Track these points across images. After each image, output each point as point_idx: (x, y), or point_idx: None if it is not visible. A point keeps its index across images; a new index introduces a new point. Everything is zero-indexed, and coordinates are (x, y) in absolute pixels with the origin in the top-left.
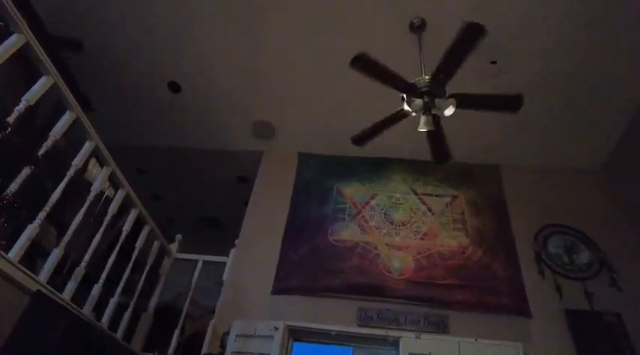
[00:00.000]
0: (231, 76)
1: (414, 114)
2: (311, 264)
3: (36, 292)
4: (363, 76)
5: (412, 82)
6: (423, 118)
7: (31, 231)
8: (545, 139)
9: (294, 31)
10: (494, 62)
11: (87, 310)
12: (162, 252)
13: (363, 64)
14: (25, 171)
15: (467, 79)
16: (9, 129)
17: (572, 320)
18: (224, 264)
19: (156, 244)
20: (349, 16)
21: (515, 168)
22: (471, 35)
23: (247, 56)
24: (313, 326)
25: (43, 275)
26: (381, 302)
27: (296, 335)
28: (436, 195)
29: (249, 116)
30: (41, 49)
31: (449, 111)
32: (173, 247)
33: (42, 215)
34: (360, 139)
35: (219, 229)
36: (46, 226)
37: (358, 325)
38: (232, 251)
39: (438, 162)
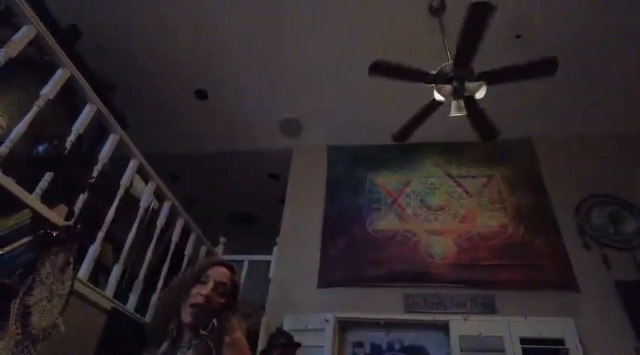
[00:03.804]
0: (254, 78)
1: (445, 100)
2: (352, 255)
3: (111, 309)
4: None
5: (438, 69)
6: (454, 103)
7: (94, 251)
8: (579, 107)
9: (313, 24)
10: (518, 36)
11: (149, 319)
12: (209, 256)
13: (381, 70)
14: (83, 197)
15: (493, 56)
16: (67, 161)
17: (622, 291)
18: (265, 261)
19: (203, 249)
20: (368, 4)
21: (549, 140)
22: (479, 14)
23: (269, 56)
24: (362, 316)
25: (109, 290)
26: (426, 287)
27: (346, 325)
28: (471, 177)
29: (276, 115)
30: (84, 80)
31: (480, 92)
32: (218, 249)
33: (101, 235)
34: (400, 135)
35: (254, 225)
36: (102, 243)
37: (405, 312)
38: (275, 249)
39: (485, 140)
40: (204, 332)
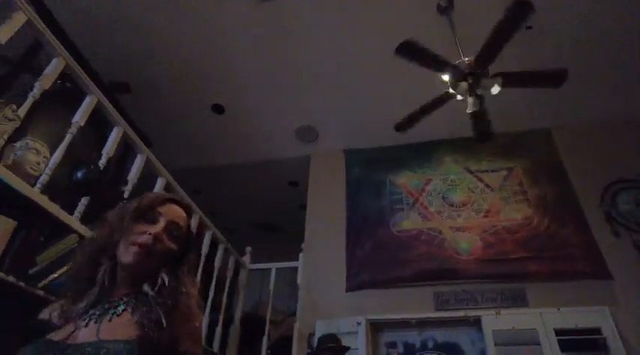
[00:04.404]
0: (267, 89)
1: (460, 97)
2: (378, 257)
3: None
4: (396, 64)
5: (454, 64)
6: (470, 100)
7: None
8: (597, 94)
9: (321, 31)
10: (529, 27)
11: None
12: (238, 266)
13: (408, 51)
14: None
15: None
16: (102, 184)
17: None
18: (291, 268)
19: (231, 260)
20: (374, 6)
21: (567, 129)
22: (519, 13)
23: (280, 67)
24: (393, 316)
25: None
26: (455, 284)
27: (378, 327)
28: (492, 171)
29: (291, 123)
30: (110, 104)
31: (495, 89)
32: (245, 259)
33: None
34: (403, 125)
35: (277, 233)
36: None
37: (436, 310)
38: (301, 255)
39: (480, 141)
40: (149, 290)
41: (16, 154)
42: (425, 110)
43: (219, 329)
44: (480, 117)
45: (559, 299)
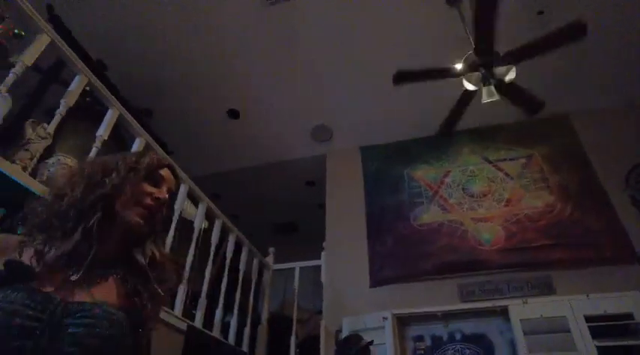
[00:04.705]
0: (281, 92)
1: (476, 88)
2: (401, 252)
3: (188, 328)
4: (408, 59)
5: (463, 59)
6: (484, 90)
7: None
8: (613, 77)
9: (331, 30)
10: (541, 12)
11: (216, 332)
12: (262, 267)
13: (405, 78)
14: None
15: (516, 35)
16: None
17: None
18: (314, 267)
19: (255, 261)
20: (384, 2)
21: (587, 113)
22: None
23: (292, 67)
24: (419, 310)
25: (177, 310)
26: (479, 275)
27: (404, 321)
28: (510, 159)
29: (306, 124)
30: (131, 117)
31: (510, 75)
32: (269, 260)
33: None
34: (445, 129)
35: (297, 233)
36: None
37: (461, 301)
38: (323, 253)
39: (531, 113)
40: (141, 259)
41: (49, 170)
42: (456, 112)
43: (247, 330)
44: (517, 94)
45: (587, 285)
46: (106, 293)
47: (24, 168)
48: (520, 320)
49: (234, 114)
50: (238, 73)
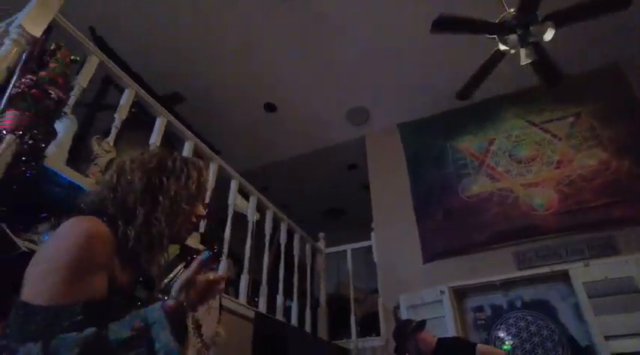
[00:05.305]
0: (315, 79)
1: (512, 51)
2: (451, 225)
3: (256, 315)
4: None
5: (499, 18)
6: (522, 52)
7: (225, 266)
8: None
9: (357, 6)
10: None
11: (279, 317)
12: (314, 252)
13: (445, 25)
14: (203, 222)
15: None
16: None
17: None
18: (365, 248)
19: (308, 247)
20: None
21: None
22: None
23: (322, 52)
24: (476, 281)
25: (242, 299)
26: (534, 241)
27: (462, 293)
28: (556, 119)
29: (342, 108)
30: (178, 122)
31: (549, 34)
32: (320, 245)
33: (225, 253)
34: (464, 93)
35: (344, 216)
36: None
37: (518, 269)
38: (372, 234)
39: (551, 84)
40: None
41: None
42: (481, 74)
43: (308, 312)
44: (542, 60)
45: None
46: None
47: (97, 182)
48: (583, 283)
49: (270, 107)
50: (269, 66)
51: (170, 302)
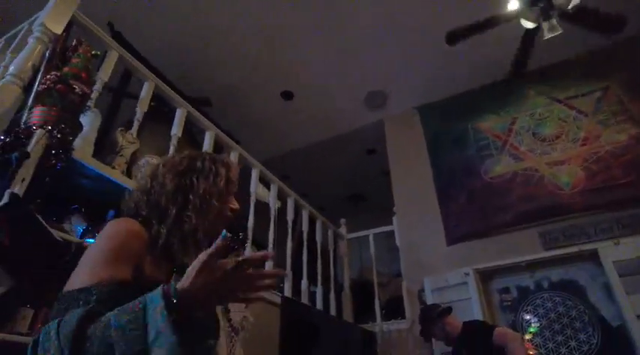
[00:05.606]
0: (331, 65)
1: (535, 25)
2: (475, 207)
3: (283, 299)
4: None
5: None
6: (545, 25)
7: (249, 253)
8: None
9: None
10: None
11: (304, 301)
12: (336, 237)
13: (458, 37)
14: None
15: None
16: None
17: None
18: (386, 232)
19: (330, 233)
20: None
21: None
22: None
23: (337, 36)
24: (501, 262)
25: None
26: (561, 221)
27: (487, 275)
28: (582, 95)
29: (360, 92)
30: (198, 113)
31: (574, 1)
32: (342, 231)
33: (249, 241)
34: (516, 71)
35: (365, 202)
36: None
37: (545, 249)
38: (394, 218)
39: (614, 32)
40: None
41: (141, 171)
42: (524, 53)
43: (332, 296)
44: (588, 16)
45: None
46: None
47: (122, 172)
48: (613, 262)
49: (288, 95)
50: (285, 54)
51: (176, 285)
